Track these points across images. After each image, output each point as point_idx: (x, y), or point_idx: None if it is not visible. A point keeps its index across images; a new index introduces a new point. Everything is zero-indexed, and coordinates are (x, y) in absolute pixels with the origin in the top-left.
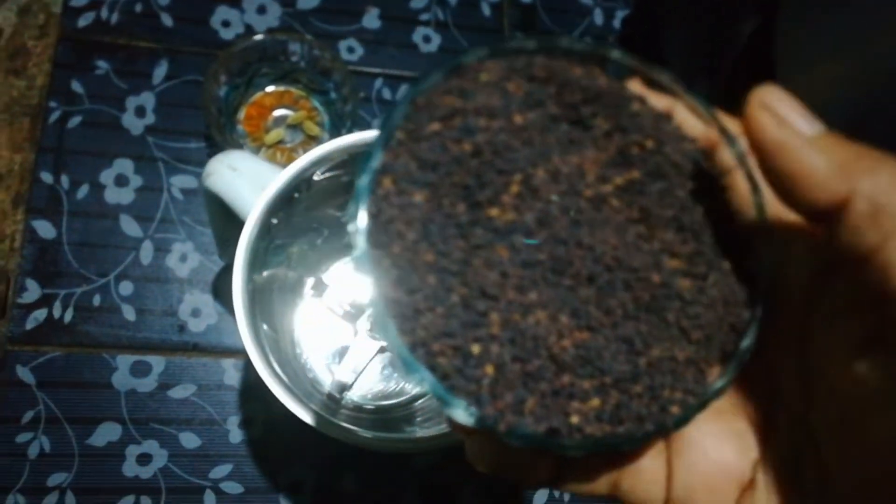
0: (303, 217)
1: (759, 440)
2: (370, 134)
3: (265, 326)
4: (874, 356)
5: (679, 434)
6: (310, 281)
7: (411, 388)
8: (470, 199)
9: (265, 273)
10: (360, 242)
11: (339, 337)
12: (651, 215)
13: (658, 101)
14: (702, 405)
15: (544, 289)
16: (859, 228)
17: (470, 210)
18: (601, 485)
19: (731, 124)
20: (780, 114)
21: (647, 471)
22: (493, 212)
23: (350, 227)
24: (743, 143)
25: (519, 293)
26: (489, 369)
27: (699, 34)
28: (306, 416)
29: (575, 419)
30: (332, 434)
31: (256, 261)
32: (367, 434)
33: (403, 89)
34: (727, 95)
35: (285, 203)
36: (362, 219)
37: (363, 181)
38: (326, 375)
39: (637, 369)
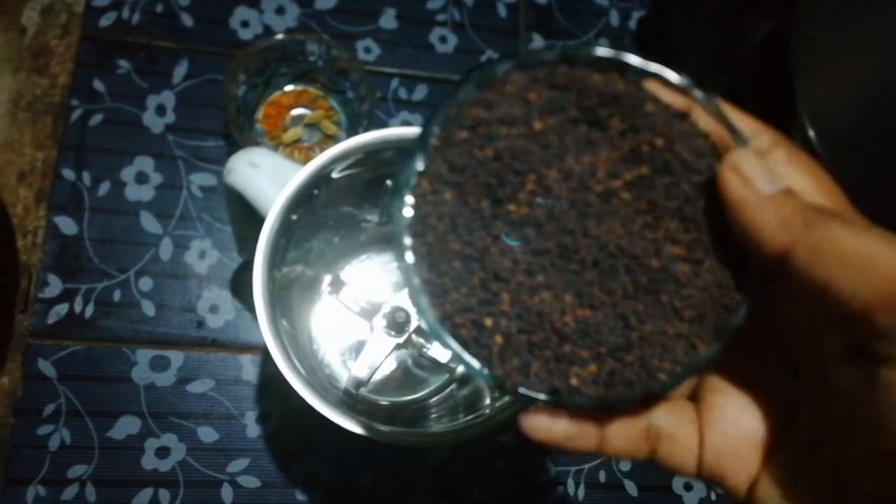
0: (321, 214)
1: (784, 413)
2: (388, 132)
3: (284, 322)
4: (854, 365)
5: (710, 405)
6: (327, 278)
7: (426, 386)
8: (492, 196)
9: (284, 269)
10: (402, 233)
11: (355, 333)
12: (657, 207)
13: (677, 100)
14: (686, 374)
15: (551, 273)
16: (804, 272)
17: (492, 206)
18: (640, 451)
19: (744, 121)
20: (746, 174)
21: (681, 438)
22: (511, 207)
23: (394, 221)
24: (764, 139)
25: (528, 276)
26: (498, 339)
27: (714, 34)
28: (326, 411)
29: (574, 381)
30: (351, 428)
31: (276, 257)
32: (385, 428)
33: (420, 89)
34: (742, 96)
35: (305, 200)
36: (405, 213)
37: (406, 182)
38: (343, 371)
39: (630, 342)
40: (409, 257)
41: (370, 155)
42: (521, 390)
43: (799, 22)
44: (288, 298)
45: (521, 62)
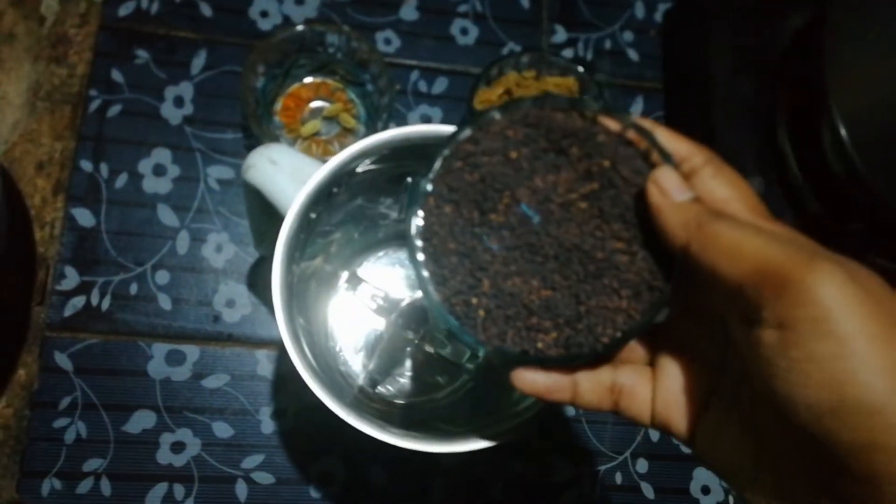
0: (340, 210)
1: (717, 374)
2: (408, 130)
3: (301, 320)
4: (743, 328)
5: (661, 368)
6: (344, 275)
7: (441, 385)
8: (479, 208)
9: (303, 264)
10: (415, 238)
11: (372, 331)
12: (604, 213)
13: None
14: (624, 338)
15: (521, 263)
16: (698, 262)
17: (480, 216)
18: (606, 403)
19: (682, 144)
20: (663, 186)
21: (639, 394)
22: (493, 216)
23: (408, 229)
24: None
25: (503, 266)
26: (481, 313)
27: (746, 28)
28: (341, 411)
29: (540, 345)
30: (364, 429)
31: (294, 254)
32: (397, 430)
33: (440, 82)
34: (774, 92)
35: (324, 198)
36: (416, 223)
37: (416, 200)
38: (359, 369)
39: (580, 314)
40: (420, 256)
41: (391, 152)
42: (503, 352)
43: (831, 14)
44: (305, 293)
45: (503, 109)
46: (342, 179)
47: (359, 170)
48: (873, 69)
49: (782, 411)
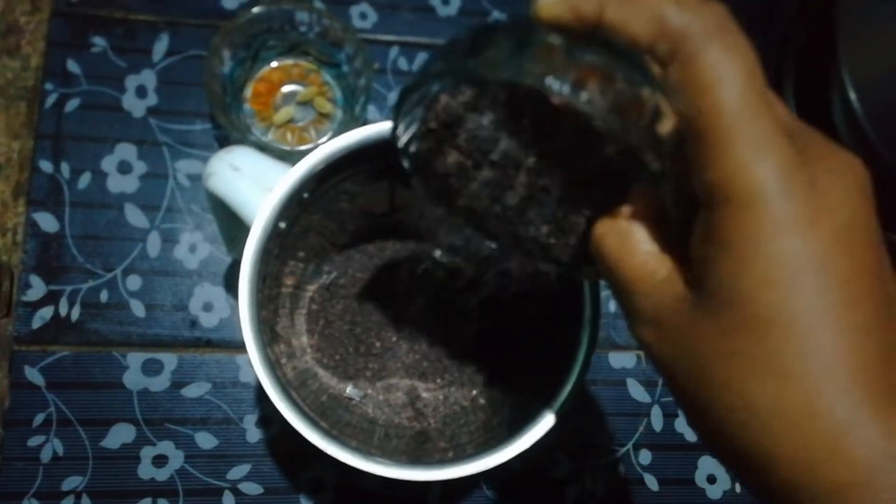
0: (313, 213)
1: None
2: (379, 127)
3: (278, 327)
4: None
5: None
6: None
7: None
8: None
9: (276, 273)
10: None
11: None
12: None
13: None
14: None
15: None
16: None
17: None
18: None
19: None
20: (606, 251)
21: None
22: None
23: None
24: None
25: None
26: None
27: None
28: (316, 439)
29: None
30: (337, 455)
31: (266, 265)
32: (381, 451)
33: (421, 58)
34: (781, 59)
35: (294, 205)
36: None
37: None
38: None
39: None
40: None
41: (363, 152)
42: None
43: None
44: (283, 304)
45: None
46: (312, 185)
47: (330, 173)
48: (888, 34)
49: None
